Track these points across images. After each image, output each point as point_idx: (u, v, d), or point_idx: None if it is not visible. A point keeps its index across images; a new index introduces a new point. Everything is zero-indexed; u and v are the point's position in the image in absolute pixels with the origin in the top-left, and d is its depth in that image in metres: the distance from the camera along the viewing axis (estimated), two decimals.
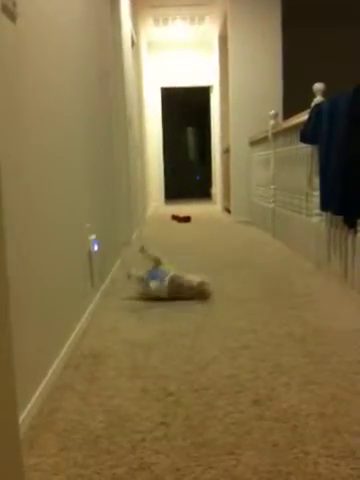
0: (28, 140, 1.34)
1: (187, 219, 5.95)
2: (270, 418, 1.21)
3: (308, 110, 2.94)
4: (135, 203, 4.76)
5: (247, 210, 5.68)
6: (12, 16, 1.20)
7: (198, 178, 11.30)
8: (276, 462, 1.03)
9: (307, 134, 2.93)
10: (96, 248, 2.28)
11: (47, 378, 1.41)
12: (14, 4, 1.19)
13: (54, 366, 1.50)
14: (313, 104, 2.90)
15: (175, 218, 6.09)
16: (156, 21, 6.76)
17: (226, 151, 6.52)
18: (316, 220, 2.97)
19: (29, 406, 1.24)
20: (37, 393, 1.31)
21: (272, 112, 4.36)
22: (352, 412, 1.22)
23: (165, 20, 6.74)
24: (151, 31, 7.25)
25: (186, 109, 10.93)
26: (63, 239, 1.71)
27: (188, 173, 11.47)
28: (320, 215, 2.90)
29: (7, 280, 0.82)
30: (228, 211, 6.44)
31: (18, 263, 1.22)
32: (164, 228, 5.44)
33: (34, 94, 1.42)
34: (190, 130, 11.50)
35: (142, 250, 2.46)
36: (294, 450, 1.07)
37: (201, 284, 2.33)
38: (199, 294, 2.32)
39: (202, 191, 10.62)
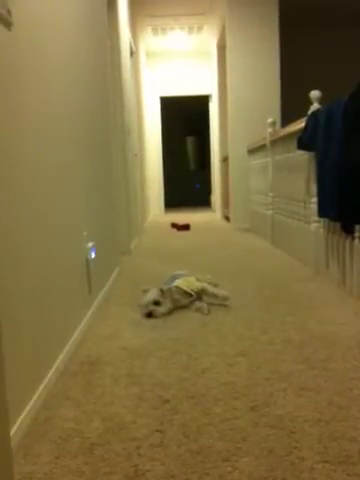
0: (25, 147, 1.35)
1: (186, 227, 5.95)
2: (266, 424, 1.20)
3: (305, 117, 2.95)
4: (134, 211, 4.76)
5: (246, 217, 5.69)
6: (7, 24, 1.21)
7: (197, 186, 11.32)
8: (272, 468, 1.02)
9: (304, 141, 2.94)
10: (93, 256, 2.28)
11: (43, 385, 1.41)
12: (9, 12, 1.20)
13: (50, 373, 1.49)
14: (310, 111, 2.92)
15: (174, 226, 6.09)
16: (155, 31, 6.80)
17: (225, 159, 6.53)
18: (314, 227, 2.97)
19: (24, 414, 1.24)
20: (32, 401, 1.31)
21: (270, 120, 4.38)
22: (349, 418, 1.22)
23: (163, 30, 6.78)
24: (150, 41, 7.30)
25: (185, 118, 10.97)
26: (59, 246, 1.71)
27: (188, 182, 11.49)
28: (318, 222, 2.91)
29: None
30: (227, 219, 6.44)
31: (13, 270, 1.22)
32: (163, 236, 5.44)
33: (30, 102, 1.43)
34: (190, 139, 11.54)
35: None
36: (290, 456, 1.06)
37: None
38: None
39: (202, 199, 10.63)
